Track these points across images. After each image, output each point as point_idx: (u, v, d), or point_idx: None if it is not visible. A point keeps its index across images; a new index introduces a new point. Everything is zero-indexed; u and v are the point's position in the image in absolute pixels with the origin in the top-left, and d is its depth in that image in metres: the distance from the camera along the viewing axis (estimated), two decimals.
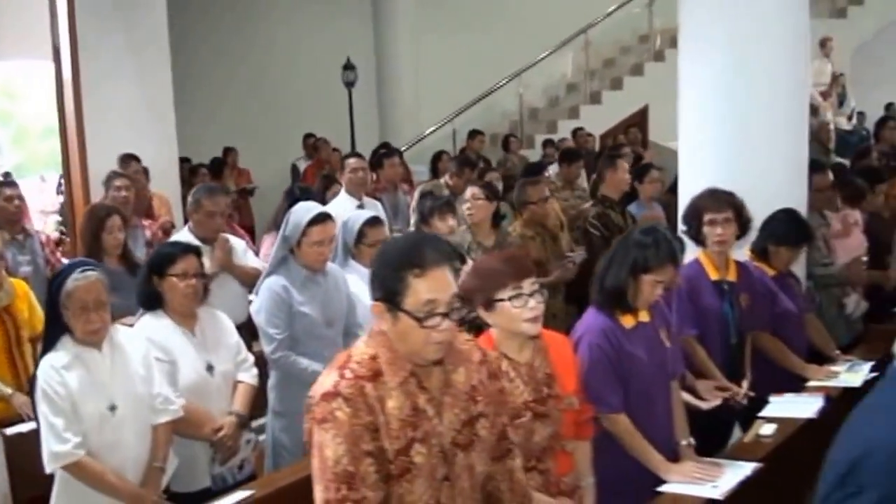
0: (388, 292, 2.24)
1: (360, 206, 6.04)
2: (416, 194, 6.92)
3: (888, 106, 14.18)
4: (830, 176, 5.84)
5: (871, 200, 5.75)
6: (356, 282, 4.45)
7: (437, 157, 9.46)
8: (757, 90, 4.90)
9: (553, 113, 13.93)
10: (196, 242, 5.12)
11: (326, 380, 2.25)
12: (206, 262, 5.12)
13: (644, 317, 3.42)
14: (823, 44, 13.18)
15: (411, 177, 9.90)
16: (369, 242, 4.51)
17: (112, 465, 3.42)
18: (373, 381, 2.24)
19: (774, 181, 4.87)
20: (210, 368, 3.95)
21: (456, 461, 2.33)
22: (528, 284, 2.85)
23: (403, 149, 11.72)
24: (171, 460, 3.75)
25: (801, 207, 4.97)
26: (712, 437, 3.89)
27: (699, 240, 4.21)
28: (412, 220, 6.30)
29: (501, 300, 2.84)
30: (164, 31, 8.67)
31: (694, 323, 4.12)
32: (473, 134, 11.38)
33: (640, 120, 13.14)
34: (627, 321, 3.37)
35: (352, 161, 6.27)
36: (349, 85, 12.17)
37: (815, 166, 5.70)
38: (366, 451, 2.18)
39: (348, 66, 12.22)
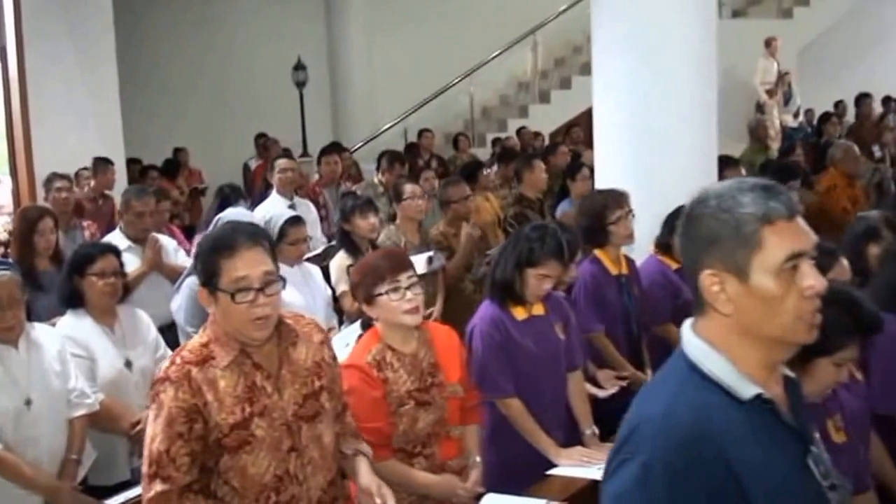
0: (207, 276, 2.47)
1: (292, 206, 6.16)
2: (326, 194, 7.10)
3: (837, 103, 14.47)
4: (743, 171, 6.03)
5: None
6: None
7: (384, 156, 9.58)
8: (665, 92, 5.07)
9: (504, 111, 14.10)
10: (127, 243, 5.31)
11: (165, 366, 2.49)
12: (137, 261, 5.31)
13: (538, 310, 3.59)
14: (769, 43, 13.43)
15: (361, 174, 10.02)
16: (290, 241, 4.65)
17: (28, 458, 3.50)
18: (200, 365, 2.46)
19: (684, 178, 4.99)
20: (128, 364, 4.08)
21: (301, 433, 2.54)
22: (406, 278, 3.03)
23: (357, 147, 11.96)
24: (90, 453, 3.86)
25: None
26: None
27: (599, 240, 4.38)
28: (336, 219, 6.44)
29: (381, 294, 3.01)
30: (110, 30, 8.73)
31: (599, 318, 4.30)
32: (421, 132, 11.49)
33: (587, 119, 13.27)
34: (520, 313, 3.54)
35: (281, 162, 6.41)
36: (300, 85, 12.28)
37: (728, 162, 5.88)
38: (178, 432, 2.39)
39: (299, 67, 12.33)
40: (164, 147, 11.31)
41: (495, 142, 11.97)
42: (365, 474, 2.66)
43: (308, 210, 6.39)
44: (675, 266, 4.69)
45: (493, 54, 13.27)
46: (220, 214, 4.60)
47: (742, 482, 1.57)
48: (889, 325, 3.21)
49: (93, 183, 8.10)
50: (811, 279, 1.64)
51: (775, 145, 11.66)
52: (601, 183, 5.26)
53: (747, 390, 1.63)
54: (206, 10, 12.73)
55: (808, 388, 2.30)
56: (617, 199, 4.36)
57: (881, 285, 3.42)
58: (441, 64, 13.04)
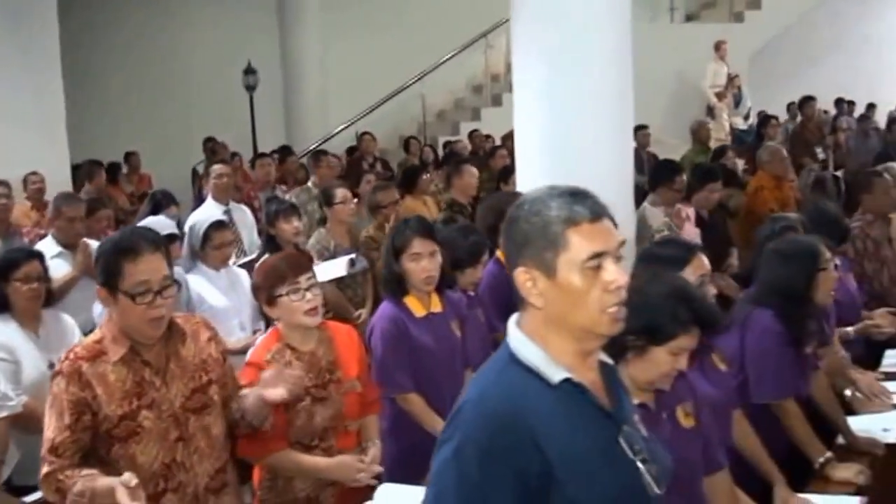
0: (108, 277, 2.63)
1: (227, 212, 6.25)
2: (262, 197, 7.21)
3: (789, 105, 14.74)
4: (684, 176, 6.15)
5: (706, 197, 6.09)
6: (202, 282, 4.71)
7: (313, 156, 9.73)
8: (581, 103, 5.19)
9: (457, 115, 14.24)
10: (59, 248, 5.38)
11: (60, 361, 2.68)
12: (68, 267, 5.38)
13: (436, 307, 3.72)
14: (718, 47, 13.63)
15: (309, 178, 10.12)
16: (215, 245, 4.75)
17: None
18: (91, 361, 2.64)
19: (600, 185, 5.13)
20: (52, 367, 4.12)
21: (189, 423, 2.73)
22: (305, 280, 3.16)
23: (308, 150, 12.04)
24: (13, 454, 3.95)
25: (628, 205, 5.33)
26: None
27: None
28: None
29: (281, 295, 3.13)
30: (54, 32, 8.73)
31: (503, 317, 4.39)
32: (362, 135, 11.68)
33: None
34: (418, 310, 3.66)
35: (216, 167, 6.49)
36: (250, 88, 12.38)
37: (673, 167, 6.09)
38: (66, 423, 2.59)
39: (249, 71, 12.43)
40: (113, 150, 11.30)
41: (447, 145, 12.11)
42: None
43: (244, 215, 6.48)
44: None
45: (446, 57, 13.41)
46: (141, 223, 4.70)
47: (549, 457, 1.72)
48: (763, 320, 3.39)
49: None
50: (613, 275, 1.78)
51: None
52: (522, 188, 5.39)
53: (557, 375, 1.78)
54: (155, 12, 12.77)
55: (647, 375, 2.46)
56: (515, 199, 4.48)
57: (762, 282, 3.58)
58: (394, 67, 13.16)
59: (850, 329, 4.64)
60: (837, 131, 13.73)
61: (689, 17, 16.81)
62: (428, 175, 7.83)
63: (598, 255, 1.78)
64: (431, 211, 7.07)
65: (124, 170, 11.16)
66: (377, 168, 10.30)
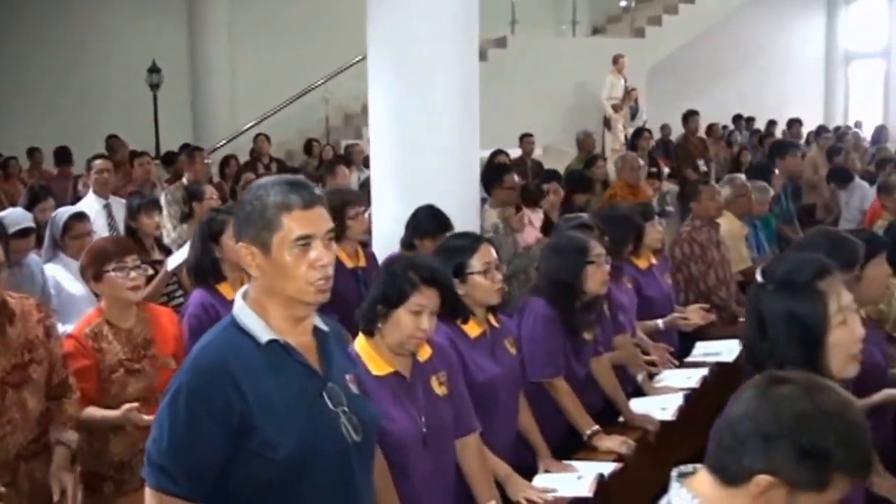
0: None
1: (107, 206, 6.54)
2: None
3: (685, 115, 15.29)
4: (515, 177, 6.59)
5: (549, 200, 6.57)
6: (61, 271, 5.01)
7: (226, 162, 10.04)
8: (430, 118, 5.48)
9: (362, 119, 14.55)
10: None
11: None
12: None
13: None
14: (616, 61, 14.13)
15: (212, 177, 10.38)
16: (73, 235, 5.04)
17: None
18: None
19: (448, 192, 5.44)
20: None
21: (6, 396, 3.02)
22: (131, 260, 3.54)
23: (213, 150, 12.29)
24: None
25: (474, 206, 5.73)
26: None
27: (337, 234, 4.87)
28: None
29: (108, 271, 3.49)
30: None
31: (334, 308, 4.79)
32: (257, 136, 12.00)
33: None
34: (228, 293, 3.96)
35: (97, 163, 6.74)
36: (154, 87, 12.59)
37: (502, 168, 6.49)
38: None
39: (153, 69, 12.64)
40: (14, 146, 11.36)
41: (347, 147, 12.43)
42: (56, 463, 3.11)
43: (122, 210, 6.76)
44: None
45: (354, 60, 13.71)
46: (1, 215, 4.97)
47: (249, 402, 2.08)
48: (537, 307, 3.82)
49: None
50: (318, 254, 2.13)
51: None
52: (377, 193, 5.73)
53: (265, 336, 2.14)
54: (62, 8, 12.85)
55: (396, 337, 2.85)
56: (356, 197, 4.89)
57: (539, 273, 4.03)
58: (303, 69, 13.39)
59: (659, 321, 5.13)
60: (732, 146, 14.41)
61: (596, 31, 17.45)
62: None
63: (306, 237, 2.12)
64: None
65: (26, 165, 11.30)
66: (272, 169, 10.59)
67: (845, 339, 2.19)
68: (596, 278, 3.88)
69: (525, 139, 11.53)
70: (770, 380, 1.73)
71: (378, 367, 2.87)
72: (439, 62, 5.53)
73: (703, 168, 12.03)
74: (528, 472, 3.51)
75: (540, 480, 3.45)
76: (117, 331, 3.53)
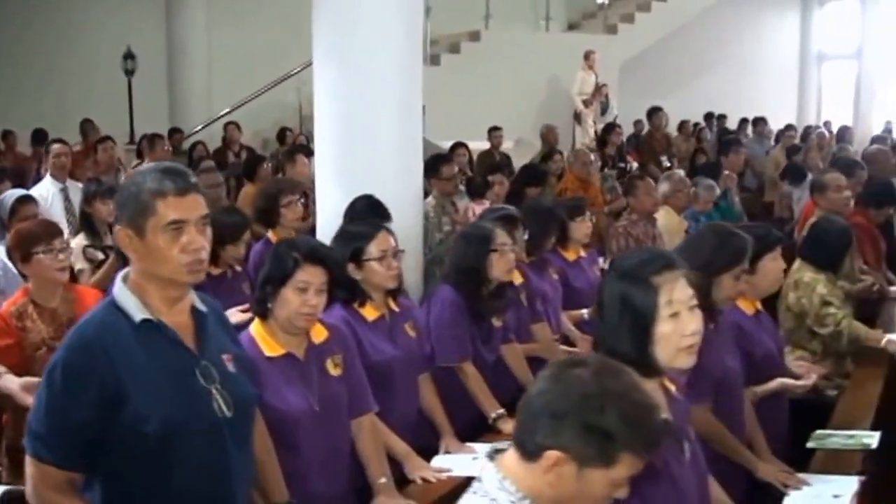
0: None
1: (64, 189, 6.72)
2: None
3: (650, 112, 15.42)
4: (456, 168, 6.77)
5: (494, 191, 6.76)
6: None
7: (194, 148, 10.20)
8: (372, 99, 5.62)
9: None
10: None
11: None
12: None
13: None
14: (587, 57, 14.34)
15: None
16: (20, 218, 5.21)
17: None
18: None
19: (389, 175, 5.62)
20: None
21: None
22: (58, 243, 3.75)
23: (186, 137, 12.46)
24: None
25: (416, 197, 5.90)
26: None
27: (271, 221, 5.07)
28: None
29: (36, 253, 3.67)
30: None
31: None
32: (227, 125, 12.18)
33: None
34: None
35: (55, 147, 6.92)
36: (129, 73, 12.71)
37: (441, 159, 6.65)
38: None
39: (128, 56, 12.75)
40: None
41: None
42: None
43: (79, 193, 6.91)
44: None
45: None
46: None
47: (121, 375, 2.25)
48: (444, 293, 4.02)
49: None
50: (190, 238, 2.29)
51: None
52: (320, 184, 5.88)
53: (138, 315, 2.31)
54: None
55: (284, 314, 3.02)
56: (290, 186, 5.07)
57: (448, 261, 4.22)
58: (278, 58, 13.45)
59: (584, 311, 5.31)
60: (703, 143, 14.62)
61: (572, 27, 17.63)
62: (267, 165, 8.32)
63: (178, 222, 2.27)
64: None
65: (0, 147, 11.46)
66: (242, 157, 10.74)
67: (674, 332, 2.28)
68: (499, 266, 4.04)
69: (494, 132, 11.70)
70: (567, 363, 1.90)
71: (271, 348, 3.04)
72: (381, 55, 5.67)
73: (667, 164, 12.27)
74: (432, 452, 3.70)
75: (438, 461, 3.63)
76: (42, 310, 3.72)
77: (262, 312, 3.08)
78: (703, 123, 16.48)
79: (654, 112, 12.74)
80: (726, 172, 8.33)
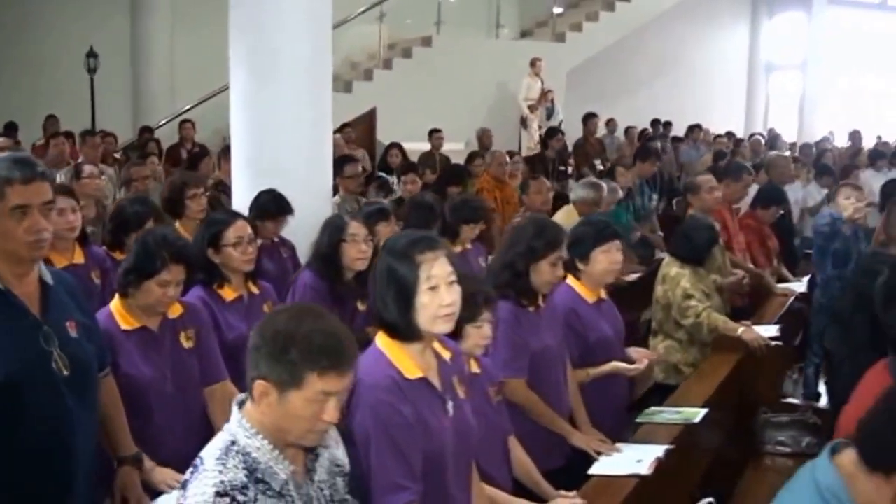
0: None
1: None
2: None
3: (609, 121, 15.84)
4: (359, 168, 7.18)
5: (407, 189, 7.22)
6: None
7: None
8: (283, 99, 6.04)
9: None
10: None
11: None
12: None
13: (79, 258, 4.50)
14: (533, 63, 14.87)
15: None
16: None
17: None
18: None
19: (299, 173, 6.02)
20: None
21: None
22: None
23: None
24: None
25: (326, 195, 6.32)
26: None
27: (177, 211, 5.43)
28: None
29: None
30: None
31: None
32: (182, 123, 12.62)
33: (369, 121, 14.23)
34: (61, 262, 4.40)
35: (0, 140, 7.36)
36: (91, 72, 13.11)
37: (346, 160, 7.09)
38: None
39: (91, 54, 13.14)
40: None
41: None
42: None
43: None
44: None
45: None
46: None
47: None
48: (304, 277, 4.50)
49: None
50: (34, 220, 2.58)
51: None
52: (236, 181, 6.28)
53: None
54: None
55: (144, 301, 3.31)
56: (195, 179, 5.45)
57: (311, 248, 4.61)
58: None
59: None
60: (640, 147, 15.03)
61: (525, 34, 18.06)
62: (210, 158, 8.71)
63: (22, 206, 2.55)
64: None
65: None
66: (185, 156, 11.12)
67: (431, 302, 2.55)
68: (350, 255, 4.35)
69: (434, 134, 12.10)
70: (276, 310, 2.34)
71: (127, 322, 3.31)
72: (290, 56, 6.01)
73: (600, 167, 12.70)
74: None
75: None
76: None
77: (124, 293, 3.35)
78: (650, 130, 16.98)
79: (588, 118, 13.26)
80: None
